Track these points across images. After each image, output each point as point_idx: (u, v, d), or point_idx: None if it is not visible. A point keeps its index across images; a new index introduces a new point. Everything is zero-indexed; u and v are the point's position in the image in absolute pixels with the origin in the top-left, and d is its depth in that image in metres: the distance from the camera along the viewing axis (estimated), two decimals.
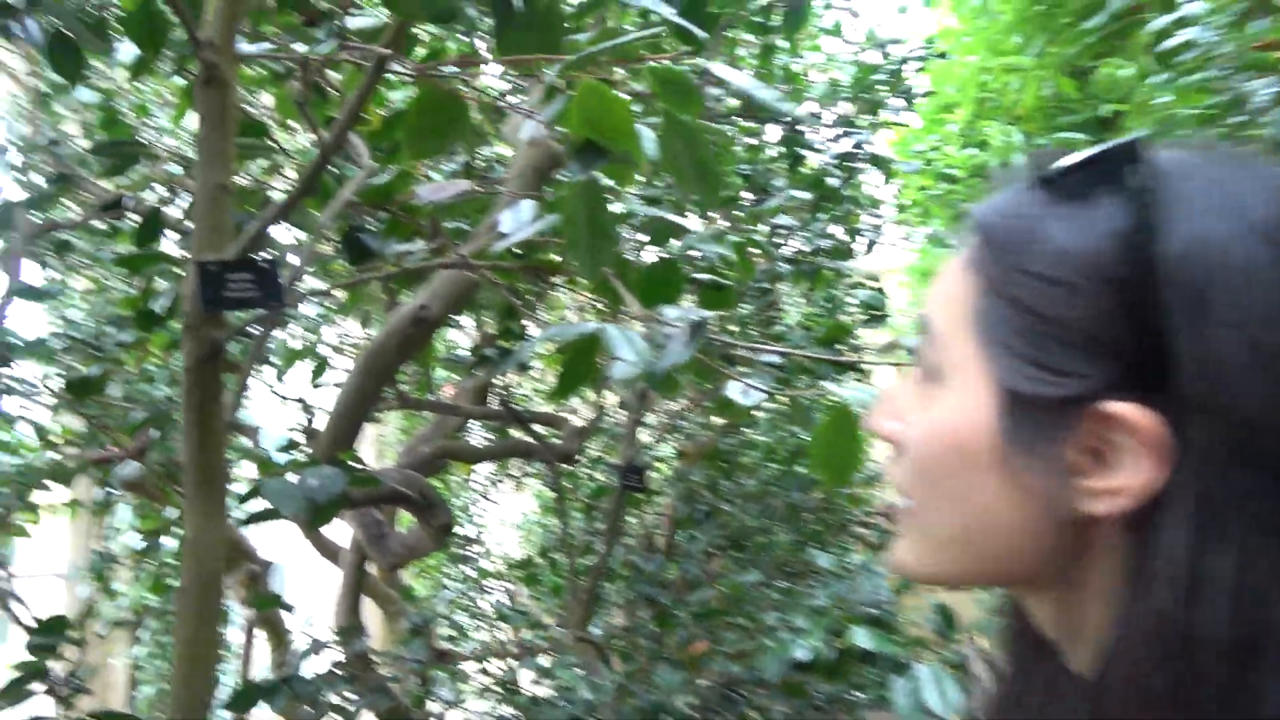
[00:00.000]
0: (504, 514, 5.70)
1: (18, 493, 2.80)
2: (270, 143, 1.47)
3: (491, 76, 3.01)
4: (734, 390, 1.27)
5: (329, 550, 3.15)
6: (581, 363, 0.91)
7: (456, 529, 4.43)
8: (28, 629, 1.38)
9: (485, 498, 5.50)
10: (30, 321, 3.00)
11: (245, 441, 3.09)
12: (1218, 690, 0.41)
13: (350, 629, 2.46)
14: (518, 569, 4.22)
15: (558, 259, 1.25)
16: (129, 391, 2.94)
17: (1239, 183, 0.46)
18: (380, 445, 6.18)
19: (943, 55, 2.98)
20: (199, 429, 1.09)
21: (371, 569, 2.87)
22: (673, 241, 1.45)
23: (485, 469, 5.23)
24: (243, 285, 1.06)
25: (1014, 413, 0.48)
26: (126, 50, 1.97)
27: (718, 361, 1.26)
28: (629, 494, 2.73)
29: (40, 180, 2.35)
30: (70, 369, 2.95)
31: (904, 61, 2.73)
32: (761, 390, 1.20)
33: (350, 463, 1.65)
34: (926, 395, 0.53)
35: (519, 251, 1.59)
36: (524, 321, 2.65)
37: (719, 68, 0.67)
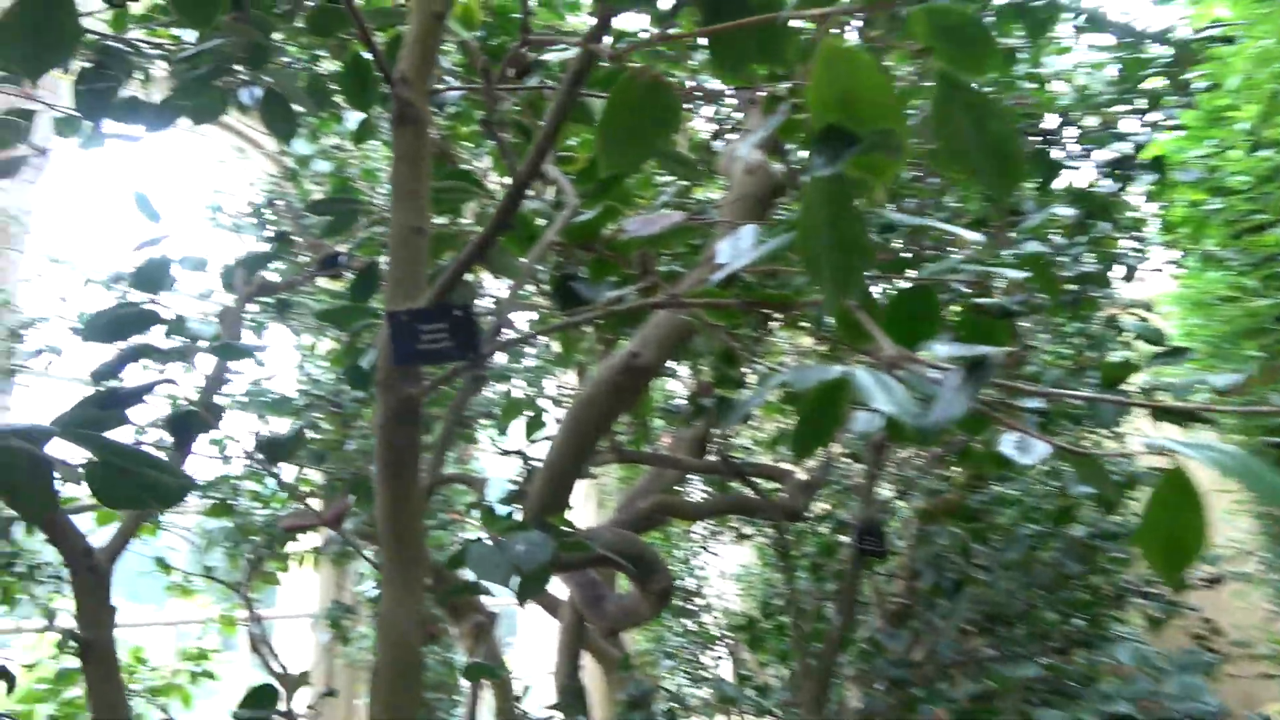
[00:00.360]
0: (724, 565, 5.50)
1: (267, 543, 2.97)
2: (473, 186, 1.41)
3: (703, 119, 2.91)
4: (1009, 444, 1.02)
5: (549, 605, 3.09)
6: (825, 414, 0.72)
7: (676, 581, 4.29)
8: (246, 695, 1.35)
9: (705, 549, 5.32)
10: (282, 381, 3.21)
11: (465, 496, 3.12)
12: None
13: (568, 692, 2.36)
14: (741, 630, 3.99)
15: (784, 294, 1.07)
16: (364, 446, 3.06)
17: None
18: (600, 494, 6.19)
19: (1230, 40, 2.52)
20: (392, 494, 0.99)
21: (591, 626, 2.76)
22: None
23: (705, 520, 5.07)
24: (437, 336, 0.96)
25: None
26: (354, 118, 2.05)
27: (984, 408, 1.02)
28: (865, 557, 2.46)
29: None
30: (315, 425, 3.11)
31: (1183, 48, 2.31)
32: (1047, 443, 0.95)
33: (560, 525, 1.53)
34: None
35: (738, 290, 1.42)
36: (742, 369, 2.48)
37: None
